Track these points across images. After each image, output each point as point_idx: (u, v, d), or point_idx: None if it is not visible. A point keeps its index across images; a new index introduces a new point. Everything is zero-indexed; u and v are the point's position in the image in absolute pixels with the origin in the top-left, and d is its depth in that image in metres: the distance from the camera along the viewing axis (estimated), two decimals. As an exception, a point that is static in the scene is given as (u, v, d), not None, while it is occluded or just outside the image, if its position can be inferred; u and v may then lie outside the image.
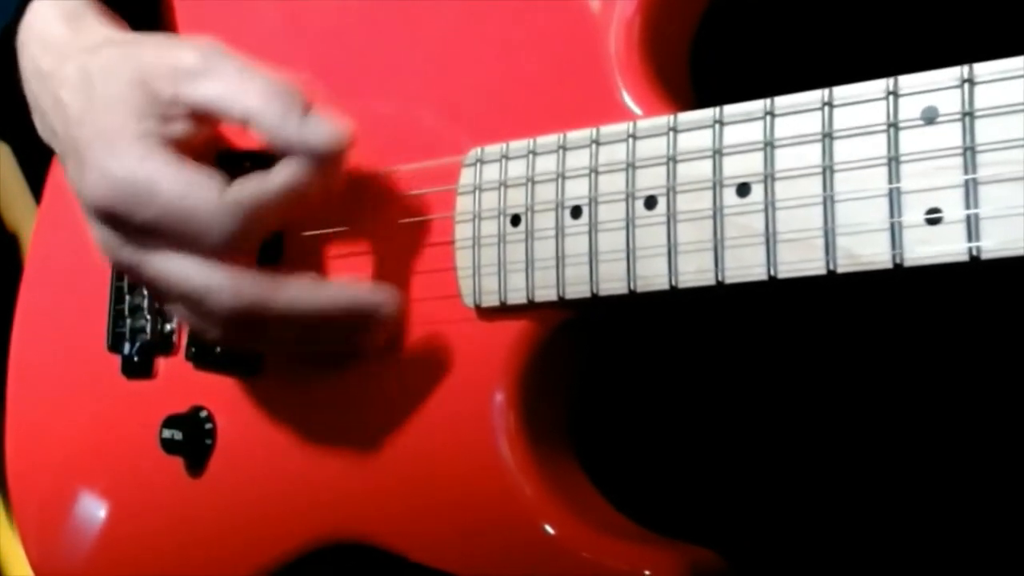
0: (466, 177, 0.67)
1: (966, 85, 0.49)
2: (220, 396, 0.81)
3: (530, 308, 0.64)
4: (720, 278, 0.56)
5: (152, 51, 0.70)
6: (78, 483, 0.92)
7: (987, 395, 0.65)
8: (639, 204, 0.59)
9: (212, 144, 0.71)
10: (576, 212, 0.62)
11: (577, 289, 0.61)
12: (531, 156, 0.64)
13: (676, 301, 0.60)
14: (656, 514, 0.66)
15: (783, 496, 0.70)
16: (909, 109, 0.51)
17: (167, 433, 0.81)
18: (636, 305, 0.64)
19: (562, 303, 0.63)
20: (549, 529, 0.64)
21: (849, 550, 0.67)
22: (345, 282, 0.71)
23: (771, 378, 0.71)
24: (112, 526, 0.88)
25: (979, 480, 0.65)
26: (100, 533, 0.89)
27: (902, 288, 0.60)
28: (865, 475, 0.67)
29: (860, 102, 0.52)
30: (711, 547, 0.62)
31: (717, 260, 0.56)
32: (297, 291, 0.66)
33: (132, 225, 0.66)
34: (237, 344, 0.71)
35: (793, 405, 0.70)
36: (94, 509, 0.90)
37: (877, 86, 0.52)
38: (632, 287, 0.59)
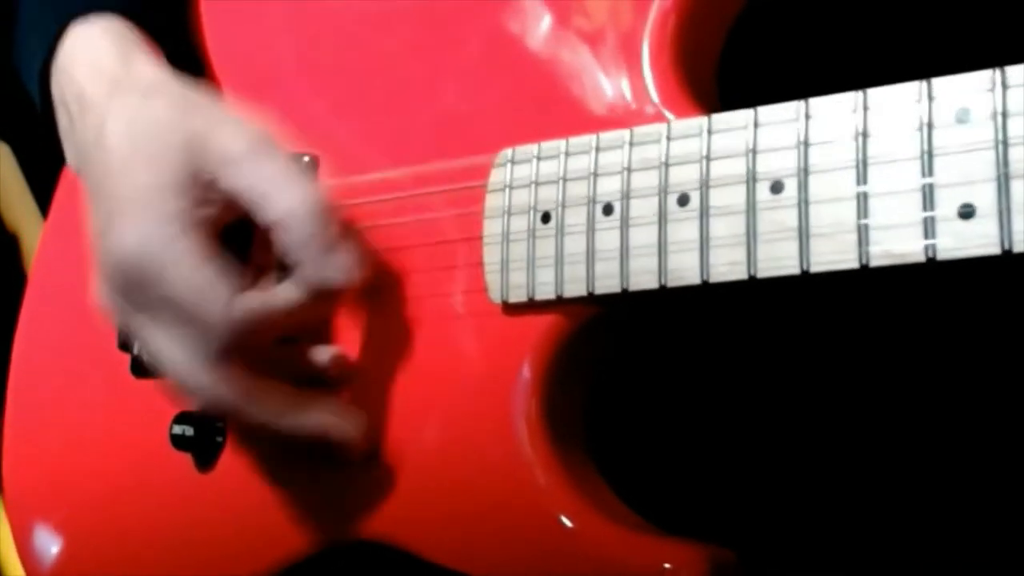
0: (496, 175, 0.68)
1: (999, 87, 0.51)
2: (232, 395, 0.82)
3: (557, 304, 0.65)
4: (752, 272, 0.57)
5: (204, 121, 0.70)
6: (78, 483, 0.91)
7: (999, 395, 0.67)
8: (672, 200, 0.60)
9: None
10: (608, 209, 0.63)
11: (607, 284, 0.63)
12: (563, 156, 0.65)
13: (699, 301, 0.62)
14: (666, 517, 0.67)
15: (794, 497, 0.71)
16: (942, 110, 0.53)
17: (178, 429, 0.81)
18: (659, 304, 0.65)
19: (591, 299, 0.64)
20: (566, 521, 0.64)
21: (861, 551, 0.68)
22: (321, 409, 0.71)
23: (781, 378, 0.72)
24: (113, 525, 0.88)
25: (992, 478, 0.66)
26: (100, 533, 0.88)
27: (917, 288, 0.62)
28: (880, 476, 0.69)
29: (894, 104, 0.54)
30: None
31: (749, 254, 0.57)
32: (271, 414, 0.69)
33: (140, 295, 0.68)
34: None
35: (804, 407, 0.71)
36: (95, 509, 0.89)
37: (911, 88, 0.54)
38: (663, 281, 0.60)
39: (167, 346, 0.68)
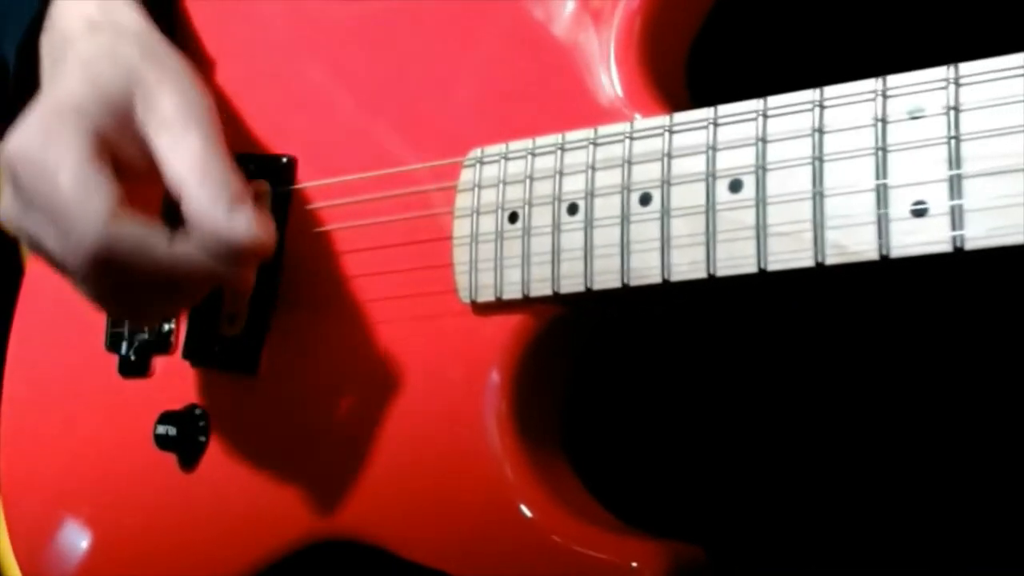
0: (466, 175, 0.68)
1: (951, 84, 0.51)
2: (215, 395, 0.83)
3: (525, 303, 0.66)
4: (711, 271, 0.57)
5: (158, 74, 0.71)
6: (69, 482, 0.92)
7: (973, 392, 0.66)
8: (634, 200, 0.61)
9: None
10: (572, 209, 0.63)
11: (572, 283, 0.63)
12: (530, 156, 0.66)
13: (665, 301, 0.62)
14: (642, 516, 0.67)
15: (768, 496, 0.71)
16: (896, 107, 0.52)
17: (161, 429, 0.82)
18: (627, 304, 0.65)
19: (557, 298, 0.64)
20: (525, 510, 0.65)
21: (835, 550, 0.68)
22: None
23: (758, 377, 0.72)
24: (102, 524, 0.88)
25: (968, 479, 0.66)
26: (90, 532, 0.89)
27: (889, 285, 0.61)
28: (853, 474, 0.68)
29: (850, 102, 0.54)
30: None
31: (709, 253, 0.57)
32: (181, 251, 0.65)
33: (30, 190, 0.67)
34: None
35: (781, 406, 0.71)
36: (84, 508, 0.90)
37: (866, 85, 0.53)
38: (625, 280, 0.61)
39: (47, 244, 0.68)
